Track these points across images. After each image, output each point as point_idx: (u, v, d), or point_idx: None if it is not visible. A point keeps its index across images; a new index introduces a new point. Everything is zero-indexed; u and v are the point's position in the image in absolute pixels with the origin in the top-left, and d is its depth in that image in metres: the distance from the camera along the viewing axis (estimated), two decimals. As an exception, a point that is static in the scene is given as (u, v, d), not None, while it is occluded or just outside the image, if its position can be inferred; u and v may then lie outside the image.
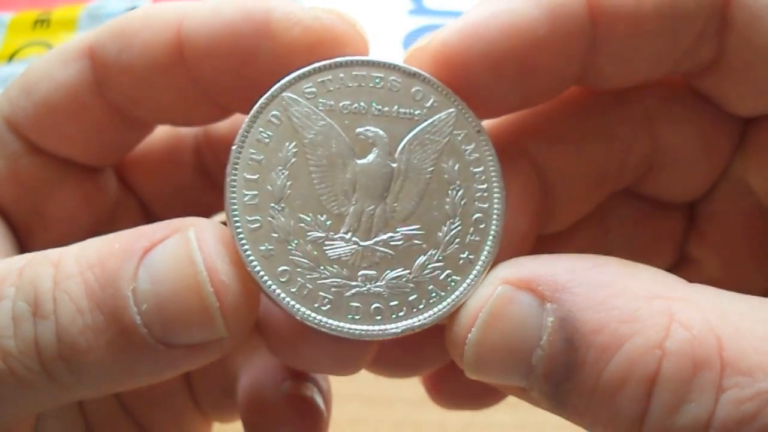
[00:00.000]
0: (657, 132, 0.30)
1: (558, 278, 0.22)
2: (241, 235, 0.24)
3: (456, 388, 0.34)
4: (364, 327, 0.24)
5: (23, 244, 0.31)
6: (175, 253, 0.23)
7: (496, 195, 0.26)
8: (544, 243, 0.32)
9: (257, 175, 0.25)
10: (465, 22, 0.25)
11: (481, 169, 0.26)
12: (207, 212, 0.36)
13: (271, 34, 0.26)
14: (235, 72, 0.27)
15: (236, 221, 0.24)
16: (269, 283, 0.24)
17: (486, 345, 0.23)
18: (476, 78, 0.25)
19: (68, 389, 0.24)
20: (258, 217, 0.24)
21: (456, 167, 0.26)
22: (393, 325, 0.25)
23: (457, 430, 0.48)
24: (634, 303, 0.21)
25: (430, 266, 0.25)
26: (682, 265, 0.34)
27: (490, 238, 0.26)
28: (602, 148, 0.30)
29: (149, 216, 0.36)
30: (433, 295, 0.25)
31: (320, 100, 0.25)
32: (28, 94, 0.29)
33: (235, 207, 0.24)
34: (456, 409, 0.34)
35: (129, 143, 0.32)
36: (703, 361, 0.20)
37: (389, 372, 0.32)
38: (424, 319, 0.25)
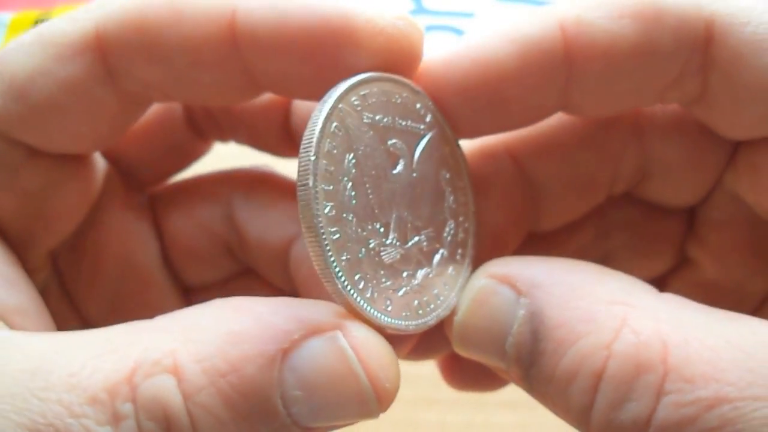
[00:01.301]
0: (646, 144, 0.31)
1: (536, 276, 0.25)
2: (328, 248, 0.24)
3: (466, 370, 0.35)
4: (413, 322, 0.26)
5: (22, 253, 0.29)
6: (328, 360, 0.23)
7: (470, 200, 0.30)
8: (543, 241, 0.33)
9: (332, 186, 0.25)
10: (447, 53, 0.27)
11: (460, 178, 0.29)
12: (190, 161, 0.36)
13: (355, 41, 0.25)
14: (301, 70, 0.26)
15: (322, 232, 0.24)
16: (356, 296, 0.25)
17: (469, 328, 0.26)
18: (451, 104, 0.27)
19: None
20: (337, 228, 0.25)
21: (447, 176, 0.29)
22: (429, 317, 0.27)
23: (457, 430, 0.48)
24: (596, 306, 0.23)
25: (442, 263, 0.28)
26: (683, 266, 0.34)
27: (471, 235, 0.29)
28: (591, 157, 0.31)
29: (134, 183, 0.34)
30: (446, 287, 0.28)
31: (364, 113, 0.26)
32: (20, 97, 0.26)
33: (320, 219, 0.24)
34: (467, 390, 0.36)
35: (130, 124, 0.31)
36: (647, 365, 0.22)
37: (414, 357, 0.33)
38: (444, 310, 0.27)
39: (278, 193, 0.34)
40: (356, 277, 0.25)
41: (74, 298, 0.33)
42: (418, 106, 0.28)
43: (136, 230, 0.34)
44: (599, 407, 0.22)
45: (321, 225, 0.24)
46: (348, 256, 0.25)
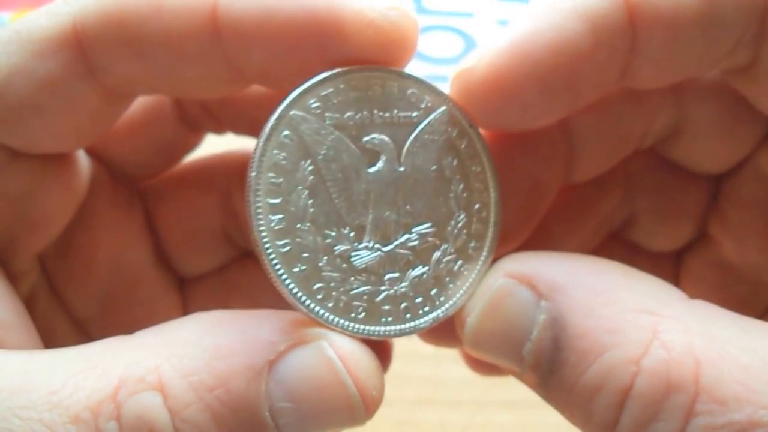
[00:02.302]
0: (685, 102, 0.30)
1: (557, 278, 0.23)
2: (275, 260, 0.24)
3: None
4: (397, 327, 0.26)
5: (6, 257, 0.29)
6: (316, 370, 0.23)
7: (492, 185, 0.27)
8: (573, 199, 0.33)
9: (280, 199, 0.25)
10: (511, 41, 0.25)
11: (476, 162, 0.27)
12: (183, 154, 0.35)
13: (342, 34, 0.24)
14: (287, 63, 0.25)
15: (267, 247, 0.24)
16: (309, 303, 0.25)
17: (483, 330, 0.25)
18: (524, 97, 0.25)
19: None
20: (287, 240, 0.25)
21: (454, 163, 0.27)
22: (422, 320, 0.26)
23: (457, 430, 0.48)
24: (623, 315, 0.22)
25: (444, 260, 0.27)
26: (701, 243, 0.34)
27: (491, 225, 0.27)
28: (628, 109, 0.30)
29: (125, 179, 0.34)
30: (450, 286, 0.26)
31: (326, 114, 0.25)
32: None
33: (264, 233, 0.24)
34: (490, 375, 0.35)
35: (114, 119, 0.30)
36: (678, 384, 0.21)
37: (436, 342, 0.33)
38: (446, 309, 0.26)
39: None
40: (315, 286, 0.25)
41: (65, 300, 0.32)
42: (409, 92, 0.26)
43: (127, 227, 0.33)
44: (625, 425, 0.21)
45: (265, 240, 0.24)
46: (303, 267, 0.25)
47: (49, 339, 0.30)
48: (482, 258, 0.27)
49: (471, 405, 0.48)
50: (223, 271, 0.36)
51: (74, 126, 0.27)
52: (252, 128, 0.34)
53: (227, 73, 0.26)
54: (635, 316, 0.22)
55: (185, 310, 0.35)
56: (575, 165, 0.31)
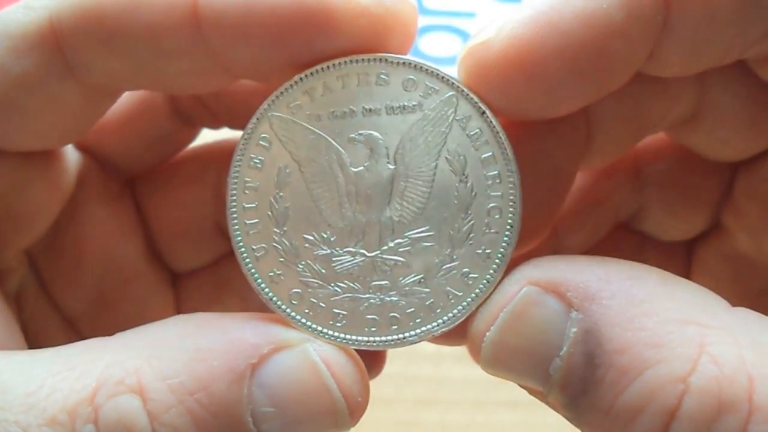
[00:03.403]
0: (707, 87, 0.28)
1: (590, 286, 0.21)
2: (249, 265, 0.24)
3: None
4: (382, 338, 0.24)
5: None
6: (300, 374, 0.22)
7: (510, 180, 0.24)
8: (579, 185, 0.31)
9: (255, 203, 0.24)
10: (536, 11, 0.22)
11: (490, 153, 0.24)
12: (178, 148, 0.34)
13: (333, 25, 0.23)
14: (274, 57, 0.24)
15: (242, 250, 0.24)
16: (285, 308, 0.24)
17: (504, 346, 0.22)
18: (551, 77, 0.23)
19: None
20: (263, 245, 0.24)
21: (461, 157, 0.24)
22: (412, 333, 0.24)
23: (457, 430, 0.48)
24: (666, 326, 0.20)
25: (444, 267, 0.24)
26: (714, 233, 0.32)
27: (508, 228, 0.24)
28: (649, 94, 0.28)
29: (114, 176, 0.33)
30: (451, 296, 0.24)
31: (307, 113, 0.24)
32: None
33: (239, 236, 0.24)
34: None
35: (99, 115, 0.29)
36: (730, 403, 0.19)
37: (443, 342, 0.32)
38: (444, 323, 0.24)
39: None
40: (291, 291, 0.24)
41: (55, 297, 0.32)
42: (405, 78, 0.24)
43: (117, 222, 0.33)
44: None
45: (240, 242, 0.24)
46: (278, 271, 0.24)
47: (39, 337, 0.30)
48: (494, 266, 0.24)
49: (471, 405, 0.48)
50: (215, 267, 0.35)
51: (55, 124, 0.26)
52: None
53: (212, 68, 0.25)
54: (680, 328, 0.20)
55: (177, 307, 0.35)
56: (591, 150, 0.29)
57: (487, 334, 0.22)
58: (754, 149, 0.29)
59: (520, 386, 0.23)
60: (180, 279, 0.35)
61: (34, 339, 0.29)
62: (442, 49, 0.81)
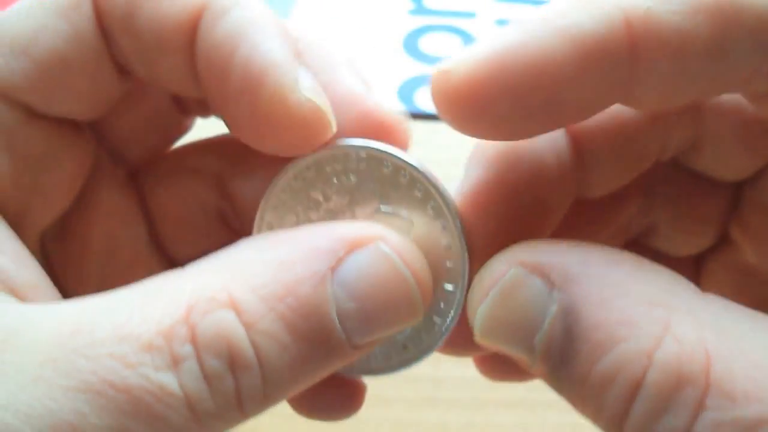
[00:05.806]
0: (702, 116, 0.29)
1: (570, 268, 0.23)
2: None
3: (500, 364, 0.34)
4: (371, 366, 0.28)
5: (16, 230, 0.28)
6: (376, 267, 0.24)
7: (461, 238, 0.26)
8: (590, 210, 0.32)
9: None
10: (491, 52, 0.23)
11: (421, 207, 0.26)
12: (176, 137, 0.35)
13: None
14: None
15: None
16: None
17: (494, 319, 0.24)
18: (496, 112, 0.24)
19: (253, 416, 0.23)
20: None
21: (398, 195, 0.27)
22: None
23: (457, 430, 0.48)
24: (637, 307, 0.22)
25: None
26: (722, 246, 0.33)
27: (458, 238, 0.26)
28: (642, 127, 0.29)
29: (120, 163, 0.33)
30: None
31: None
32: (23, 53, 0.26)
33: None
34: (500, 380, 0.35)
35: (121, 93, 0.30)
36: (688, 377, 0.20)
37: (450, 352, 0.33)
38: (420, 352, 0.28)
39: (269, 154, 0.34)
40: None
41: (62, 283, 0.31)
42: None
43: (123, 210, 0.33)
44: (635, 417, 0.21)
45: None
46: None
47: None
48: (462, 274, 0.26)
49: (471, 405, 0.48)
50: None
51: (92, 86, 0.28)
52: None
53: (193, 80, 0.27)
54: (648, 309, 0.22)
55: None
56: (589, 183, 0.30)
57: (479, 308, 0.25)
58: (757, 166, 0.30)
59: (512, 358, 0.25)
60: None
61: None
62: (442, 49, 0.81)
